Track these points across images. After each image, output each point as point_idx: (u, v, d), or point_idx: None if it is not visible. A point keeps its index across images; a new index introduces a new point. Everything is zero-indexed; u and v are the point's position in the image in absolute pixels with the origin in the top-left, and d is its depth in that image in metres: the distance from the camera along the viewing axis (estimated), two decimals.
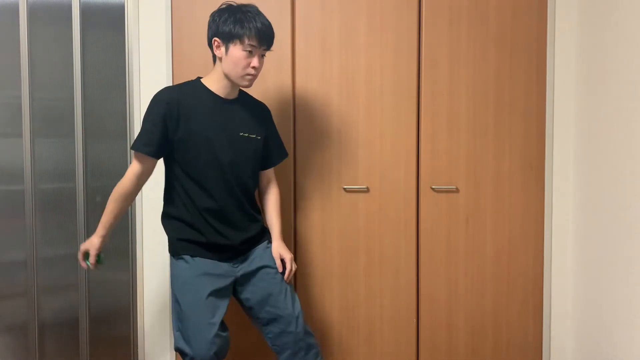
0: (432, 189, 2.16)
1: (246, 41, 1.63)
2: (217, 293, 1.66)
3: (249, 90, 1.85)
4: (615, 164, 1.84)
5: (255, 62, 1.66)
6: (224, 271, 1.70)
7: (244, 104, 1.79)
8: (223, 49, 1.66)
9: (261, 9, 2.10)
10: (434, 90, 2.14)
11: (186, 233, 1.69)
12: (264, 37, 1.67)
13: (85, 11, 2.17)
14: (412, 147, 2.16)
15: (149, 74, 2.15)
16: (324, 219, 2.17)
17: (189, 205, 1.69)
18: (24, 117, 2.16)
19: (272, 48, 2.15)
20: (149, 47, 2.15)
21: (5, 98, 2.16)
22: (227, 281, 1.70)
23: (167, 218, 1.75)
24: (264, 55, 1.72)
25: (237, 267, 1.73)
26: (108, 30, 2.19)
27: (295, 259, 2.18)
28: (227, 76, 1.69)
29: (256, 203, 1.85)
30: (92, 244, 1.70)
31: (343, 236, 2.18)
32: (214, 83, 1.71)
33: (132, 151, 1.69)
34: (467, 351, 2.21)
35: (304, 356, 1.75)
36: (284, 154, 1.93)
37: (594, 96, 2.01)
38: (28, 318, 2.20)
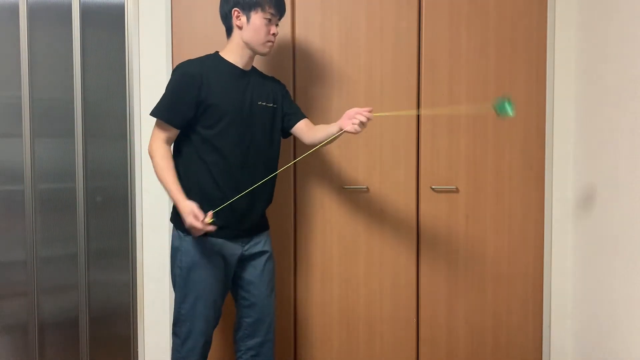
0: (432, 189, 2.16)
1: (267, 9, 1.71)
2: (226, 273, 1.73)
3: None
4: (615, 164, 1.84)
5: (274, 29, 1.76)
6: (233, 251, 1.74)
7: (259, 75, 1.85)
8: (244, 18, 1.71)
9: None
10: (434, 90, 2.14)
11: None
12: (281, 4, 1.77)
13: (85, 11, 2.17)
14: (412, 147, 2.16)
15: (149, 74, 2.15)
16: (324, 219, 2.17)
17: (212, 194, 1.68)
18: (24, 117, 2.16)
19: (272, 49, 2.15)
20: (149, 47, 2.15)
21: (5, 98, 2.16)
22: (234, 259, 1.75)
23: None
24: (278, 24, 1.79)
25: (244, 247, 1.77)
26: (108, 30, 2.19)
27: (295, 259, 2.19)
28: (247, 44, 1.74)
29: (273, 186, 1.86)
30: (194, 208, 1.58)
31: (343, 236, 2.18)
32: (232, 54, 1.75)
33: (155, 118, 1.69)
34: (467, 351, 2.21)
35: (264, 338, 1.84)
36: (303, 115, 1.94)
37: (593, 96, 2.01)
38: (28, 318, 2.20)
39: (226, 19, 1.75)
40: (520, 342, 2.21)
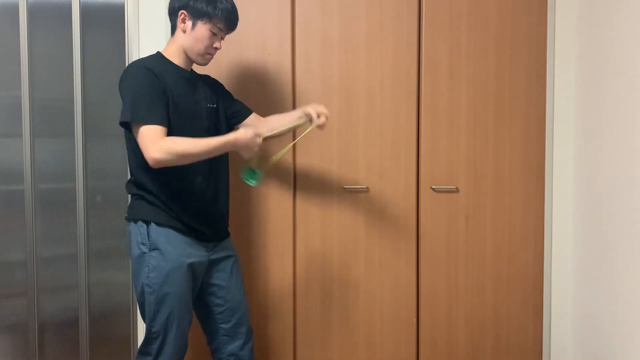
0: (432, 189, 2.16)
1: (215, 22, 1.63)
2: (195, 284, 1.68)
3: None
4: (615, 164, 1.84)
5: (217, 44, 1.68)
6: (200, 258, 1.68)
7: (199, 76, 1.78)
8: (190, 23, 1.63)
9: (261, 9, 2.12)
10: (434, 90, 2.14)
11: (171, 220, 1.62)
12: (231, 21, 1.69)
13: (85, 11, 2.17)
14: (412, 147, 2.16)
15: None
16: (324, 219, 2.17)
17: (182, 190, 1.63)
18: (24, 117, 2.16)
19: (272, 48, 2.14)
20: (149, 47, 2.15)
21: (5, 98, 2.16)
22: (202, 268, 1.69)
23: (150, 204, 1.63)
24: (224, 38, 1.72)
25: (209, 252, 1.72)
26: (108, 30, 2.19)
27: (295, 258, 2.18)
28: (185, 51, 1.66)
29: (229, 183, 1.83)
30: (252, 131, 1.58)
31: (343, 236, 2.18)
32: (175, 56, 1.67)
33: (139, 125, 1.49)
34: (467, 351, 2.21)
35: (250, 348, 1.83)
36: (247, 108, 1.93)
37: (593, 96, 2.01)
38: (28, 318, 2.20)
39: (172, 17, 1.67)
40: (520, 342, 2.21)
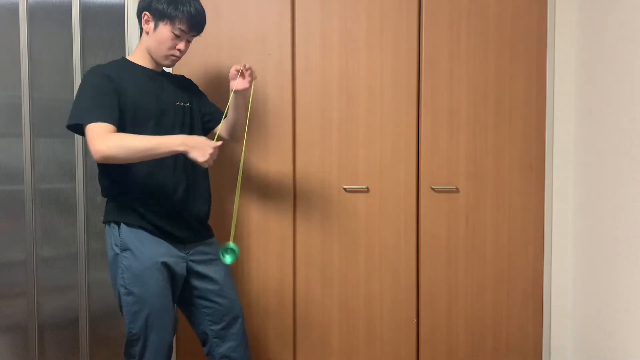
0: (432, 189, 2.16)
1: (177, 24, 1.61)
2: (174, 282, 1.65)
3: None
4: (615, 164, 1.84)
5: (181, 45, 1.65)
6: (177, 259, 1.65)
7: (169, 76, 1.77)
8: (152, 24, 1.62)
9: (261, 9, 2.12)
10: (434, 90, 2.14)
11: (140, 221, 1.61)
12: (195, 24, 1.65)
13: (85, 11, 2.17)
14: (412, 147, 2.16)
15: None
16: (324, 219, 2.17)
17: (149, 191, 1.61)
18: (24, 117, 2.16)
19: (272, 48, 2.13)
20: None
21: (5, 98, 2.16)
22: (180, 268, 1.65)
23: (122, 208, 1.63)
24: (190, 40, 1.70)
25: (188, 252, 1.69)
26: (108, 30, 2.19)
27: (296, 259, 2.18)
28: (149, 52, 1.66)
29: (209, 187, 1.81)
30: (204, 139, 1.53)
31: (343, 236, 2.18)
32: (140, 58, 1.67)
33: (88, 126, 1.48)
34: (467, 351, 2.21)
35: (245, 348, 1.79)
36: (221, 111, 1.90)
37: (593, 96, 2.01)
38: (28, 318, 2.20)
39: (138, 18, 1.66)
40: (520, 342, 2.21)
